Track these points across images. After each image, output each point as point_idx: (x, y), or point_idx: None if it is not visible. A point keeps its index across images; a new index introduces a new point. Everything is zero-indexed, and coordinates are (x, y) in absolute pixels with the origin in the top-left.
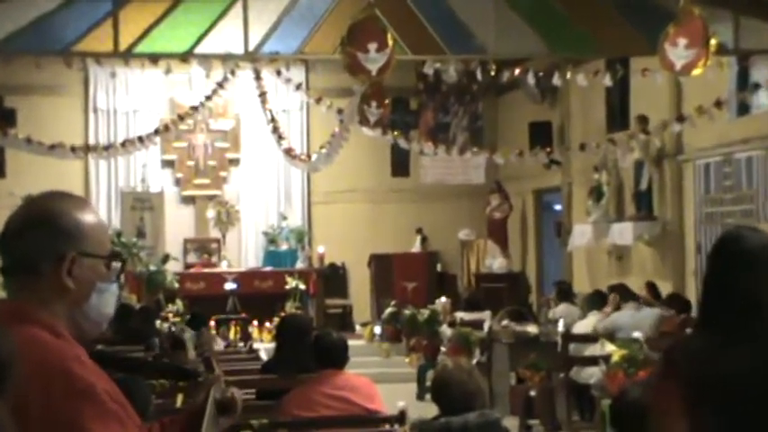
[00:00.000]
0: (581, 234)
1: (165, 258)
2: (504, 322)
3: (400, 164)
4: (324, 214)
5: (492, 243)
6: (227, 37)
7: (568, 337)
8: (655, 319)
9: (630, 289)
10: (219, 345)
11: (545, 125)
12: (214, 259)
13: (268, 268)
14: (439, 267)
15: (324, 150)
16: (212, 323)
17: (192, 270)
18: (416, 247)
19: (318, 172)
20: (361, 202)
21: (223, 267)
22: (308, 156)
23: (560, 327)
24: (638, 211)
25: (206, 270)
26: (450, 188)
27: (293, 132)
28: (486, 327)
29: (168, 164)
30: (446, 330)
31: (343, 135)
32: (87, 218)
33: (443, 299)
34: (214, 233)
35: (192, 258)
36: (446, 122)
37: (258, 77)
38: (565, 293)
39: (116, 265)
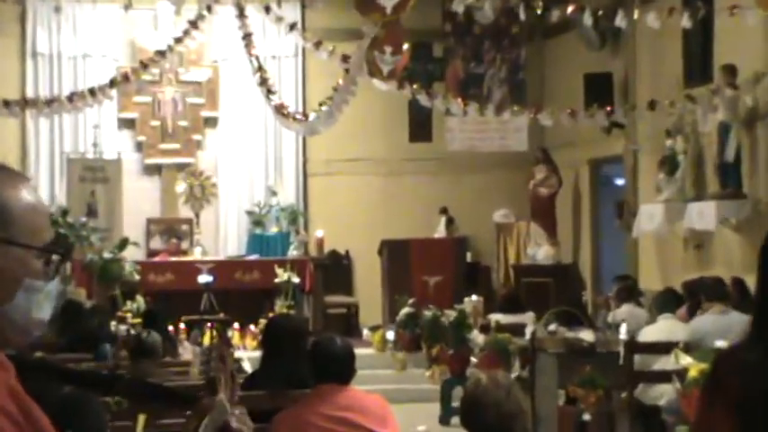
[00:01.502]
0: (649, 217)
1: (123, 243)
2: (552, 327)
3: (420, 126)
4: (323, 189)
5: (536, 227)
6: None
7: (633, 346)
8: (744, 324)
9: (714, 285)
10: (188, 351)
11: (604, 78)
12: (185, 245)
13: (253, 257)
14: (469, 257)
15: (324, 108)
16: (182, 325)
17: (156, 259)
18: (440, 232)
19: (317, 135)
20: (371, 174)
21: (196, 255)
22: (305, 115)
23: (622, 333)
24: (722, 187)
25: (174, 259)
26: (484, 157)
27: (286, 85)
28: (528, 332)
29: (127, 124)
30: (478, 337)
31: (348, 89)
32: (19, 196)
33: (474, 297)
34: (185, 212)
35: (156, 244)
36: (479, 74)
37: (242, 15)
38: (628, 292)
39: (56, 259)
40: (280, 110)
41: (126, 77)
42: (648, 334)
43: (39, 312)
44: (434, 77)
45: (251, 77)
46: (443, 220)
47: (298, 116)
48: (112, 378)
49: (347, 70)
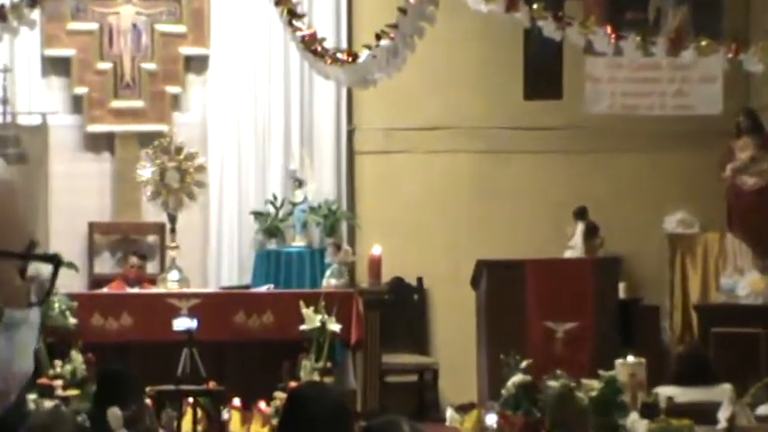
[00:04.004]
0: None
1: (55, 263)
2: (764, 409)
3: (543, 74)
4: (380, 177)
5: (736, 241)
6: None
7: None
8: None
9: None
10: None
11: None
12: (152, 268)
13: (264, 288)
14: (622, 290)
15: (383, 43)
16: (148, 400)
17: (105, 291)
18: (575, 248)
19: (370, 88)
20: (459, 151)
21: (170, 285)
22: (351, 54)
23: None
24: None
25: (136, 291)
26: (649, 126)
27: (319, 7)
28: (722, 417)
29: (57, 67)
30: (638, 424)
31: (423, 10)
32: None
33: (631, 358)
34: (152, 213)
35: (105, 266)
36: None
37: None
38: None
39: (39, 272)
40: (309, 45)
41: None
42: None
43: (22, 360)
44: None
45: None
46: (580, 228)
47: (339, 55)
48: None
49: None
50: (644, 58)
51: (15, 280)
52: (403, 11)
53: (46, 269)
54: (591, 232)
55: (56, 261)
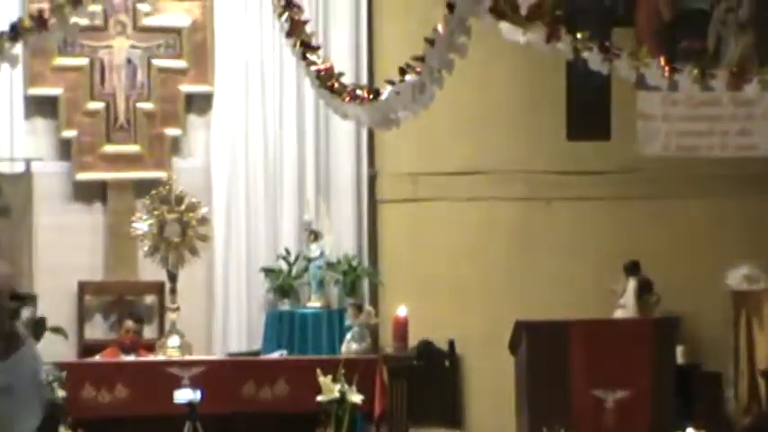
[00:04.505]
0: None
1: (36, 329)
2: None
3: (588, 111)
4: (406, 228)
5: None
6: None
7: None
8: None
9: None
10: None
11: None
12: (150, 332)
13: (276, 354)
14: (680, 355)
15: (408, 78)
16: None
17: (98, 359)
18: (627, 307)
19: (393, 128)
20: (495, 199)
21: (171, 352)
22: (371, 91)
23: None
24: None
25: (132, 359)
26: (708, 168)
27: (337, 39)
28: None
29: (43, 108)
30: None
31: (453, 40)
32: None
33: (691, 431)
34: (150, 271)
35: (97, 330)
36: (697, 11)
37: None
38: None
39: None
40: (325, 80)
41: (41, 21)
42: None
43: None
44: (613, 19)
45: (271, 21)
46: (632, 285)
47: (359, 92)
48: None
49: (451, 5)
50: (702, 92)
51: None
52: (430, 42)
53: None
54: (644, 289)
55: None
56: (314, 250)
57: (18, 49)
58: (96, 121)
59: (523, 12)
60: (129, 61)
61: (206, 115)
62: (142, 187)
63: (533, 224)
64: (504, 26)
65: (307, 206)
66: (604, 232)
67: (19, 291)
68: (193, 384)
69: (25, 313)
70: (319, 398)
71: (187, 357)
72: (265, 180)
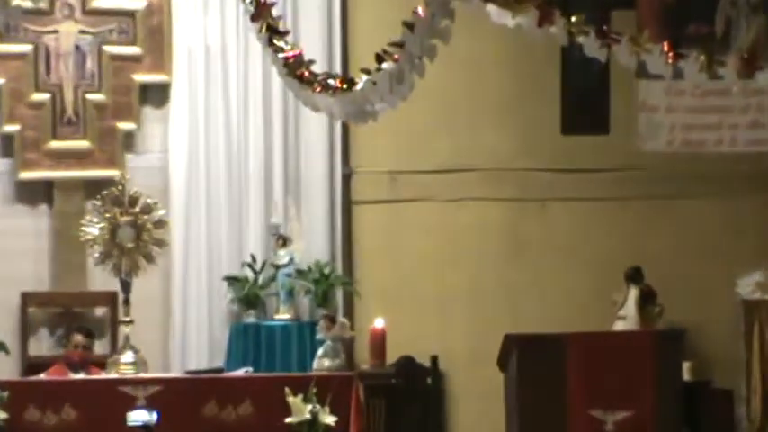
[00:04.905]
0: None
1: None
2: None
3: (585, 103)
4: (384, 232)
5: None
6: None
7: None
8: None
9: None
10: None
11: None
12: (101, 348)
13: (241, 371)
14: (686, 371)
15: (386, 66)
16: None
17: (43, 377)
18: (628, 319)
19: (369, 122)
20: (483, 200)
21: (124, 368)
22: (345, 80)
23: None
24: None
25: (81, 377)
26: (716, 165)
27: (306, 22)
28: None
29: None
30: None
31: (435, 25)
32: None
33: None
34: (101, 280)
35: (42, 345)
36: None
37: None
38: None
39: None
40: (294, 69)
41: None
42: None
43: None
44: (612, 1)
45: (234, 4)
46: (633, 294)
47: (331, 82)
48: None
49: None
50: (710, 81)
51: None
52: (410, 26)
53: None
54: (647, 299)
55: None
56: (282, 257)
57: None
58: (41, 114)
59: None
60: (77, 48)
61: (163, 108)
62: (92, 187)
63: (525, 227)
64: (492, 8)
65: (274, 208)
66: (603, 236)
67: None
68: (149, 405)
69: None
70: (288, 419)
71: (142, 375)
72: (228, 179)
